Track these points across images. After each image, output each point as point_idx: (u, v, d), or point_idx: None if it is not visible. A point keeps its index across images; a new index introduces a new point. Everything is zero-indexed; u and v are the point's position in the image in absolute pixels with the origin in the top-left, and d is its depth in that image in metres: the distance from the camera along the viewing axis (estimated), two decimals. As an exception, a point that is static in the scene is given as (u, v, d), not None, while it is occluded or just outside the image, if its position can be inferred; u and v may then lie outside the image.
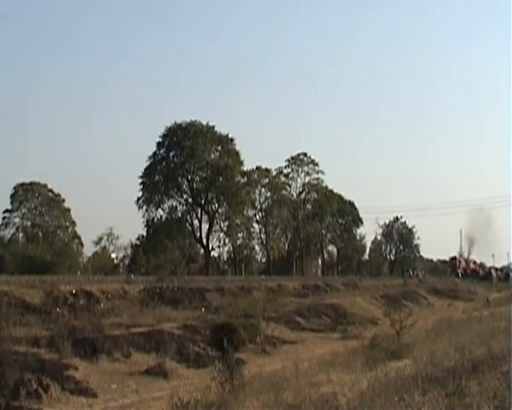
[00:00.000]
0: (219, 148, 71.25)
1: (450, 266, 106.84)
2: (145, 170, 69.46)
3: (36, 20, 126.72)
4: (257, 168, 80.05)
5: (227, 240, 74.25)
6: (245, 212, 73.68)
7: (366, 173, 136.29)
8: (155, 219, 70.38)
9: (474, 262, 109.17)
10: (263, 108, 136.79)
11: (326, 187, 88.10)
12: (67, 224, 72.76)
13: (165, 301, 35.61)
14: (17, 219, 70.38)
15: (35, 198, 71.11)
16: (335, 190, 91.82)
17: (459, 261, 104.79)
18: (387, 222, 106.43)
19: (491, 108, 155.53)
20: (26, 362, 18.98)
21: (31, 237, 68.99)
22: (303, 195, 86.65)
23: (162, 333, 25.49)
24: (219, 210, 71.52)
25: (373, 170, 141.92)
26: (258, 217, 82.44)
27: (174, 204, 71.07)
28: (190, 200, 70.65)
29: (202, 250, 74.28)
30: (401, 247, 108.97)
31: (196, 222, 70.97)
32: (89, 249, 73.45)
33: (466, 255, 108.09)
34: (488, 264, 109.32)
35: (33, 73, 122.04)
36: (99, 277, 43.16)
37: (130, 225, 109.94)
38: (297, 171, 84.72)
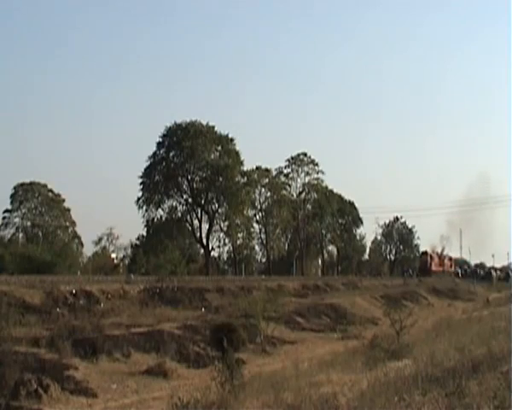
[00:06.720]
0: (219, 148, 71.19)
1: (420, 262, 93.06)
2: (145, 170, 69.40)
3: (36, 19, 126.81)
4: (257, 168, 79.93)
5: (227, 240, 74.23)
6: (245, 212, 73.51)
7: (366, 173, 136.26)
8: (155, 219, 70.33)
9: (450, 258, 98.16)
10: (263, 108, 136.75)
11: (326, 187, 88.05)
12: (67, 224, 72.77)
13: (165, 301, 35.61)
14: (17, 219, 70.45)
15: (35, 198, 71.10)
16: (335, 190, 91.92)
17: (431, 257, 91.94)
18: (387, 222, 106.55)
19: (491, 109, 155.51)
20: (26, 362, 18.96)
21: (31, 237, 68.96)
22: (303, 195, 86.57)
23: (162, 333, 25.48)
24: (219, 210, 71.46)
25: (373, 170, 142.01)
26: (258, 217, 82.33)
27: (174, 204, 71.08)
28: (190, 200, 70.59)
29: (202, 250, 74.22)
30: (401, 247, 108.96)
31: (196, 222, 70.95)
32: (89, 249, 73.30)
33: (440, 250, 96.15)
34: (488, 264, 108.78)
35: (33, 73, 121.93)
36: (99, 277, 43.05)
37: (130, 225, 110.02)
38: (297, 171, 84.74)
